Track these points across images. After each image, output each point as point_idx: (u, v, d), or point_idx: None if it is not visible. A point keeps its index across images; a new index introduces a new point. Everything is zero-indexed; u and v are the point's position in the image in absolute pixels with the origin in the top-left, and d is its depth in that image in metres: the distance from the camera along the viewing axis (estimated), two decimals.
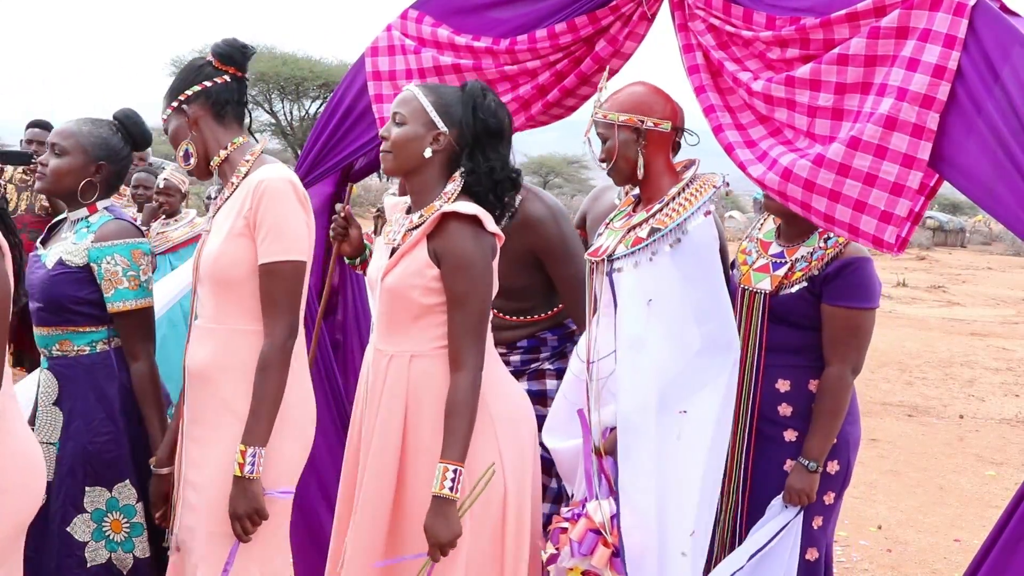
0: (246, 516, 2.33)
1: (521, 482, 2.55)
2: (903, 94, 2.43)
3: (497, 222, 2.56)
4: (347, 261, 3.18)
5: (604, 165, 2.80)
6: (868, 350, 3.06)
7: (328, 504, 3.35)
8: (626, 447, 2.61)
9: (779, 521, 2.94)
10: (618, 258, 2.72)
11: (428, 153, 2.49)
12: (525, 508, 2.58)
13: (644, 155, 2.75)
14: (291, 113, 34.67)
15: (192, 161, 2.51)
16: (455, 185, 2.50)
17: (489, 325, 2.51)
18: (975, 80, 2.37)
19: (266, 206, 2.34)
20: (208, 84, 2.50)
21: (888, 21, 2.45)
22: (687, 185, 2.75)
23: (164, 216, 6.12)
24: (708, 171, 2.85)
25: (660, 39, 3.10)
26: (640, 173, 2.75)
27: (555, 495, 3.22)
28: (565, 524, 2.66)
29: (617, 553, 2.56)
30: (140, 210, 6.23)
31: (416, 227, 2.50)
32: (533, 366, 3.15)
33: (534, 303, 3.16)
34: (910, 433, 7.46)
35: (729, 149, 2.74)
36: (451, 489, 2.34)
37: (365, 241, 3.14)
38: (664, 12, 2.92)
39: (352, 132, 3.36)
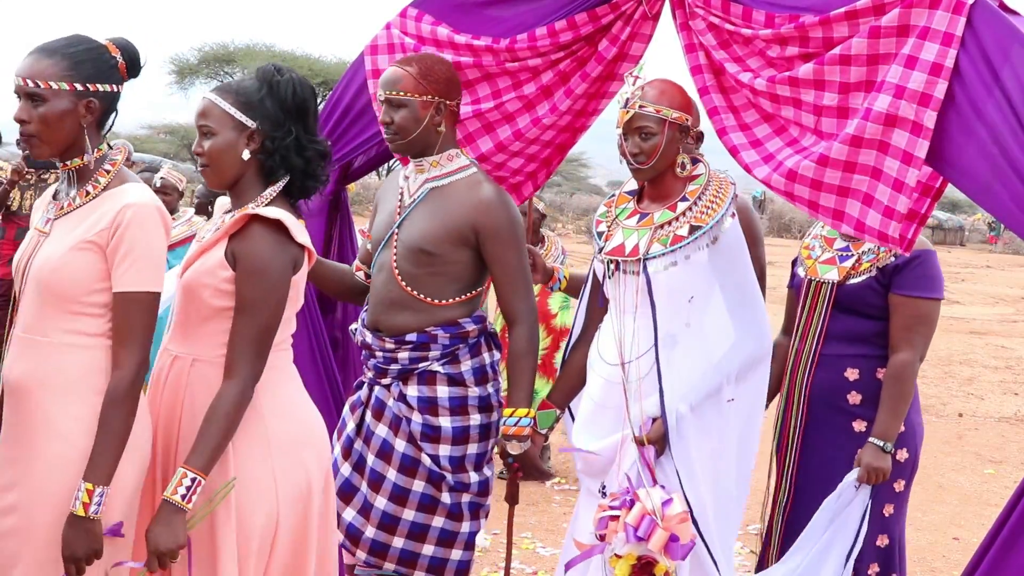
0: (84, 558, 2.16)
1: (300, 512, 2.38)
2: (901, 92, 2.44)
3: (310, 195, 2.47)
4: None
5: (640, 159, 2.77)
6: None
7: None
8: (678, 434, 2.72)
9: (858, 504, 2.99)
10: (654, 257, 2.75)
11: (247, 155, 2.38)
12: (305, 540, 2.40)
13: (683, 154, 2.81)
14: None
15: (92, 151, 2.31)
16: (273, 188, 2.41)
17: (287, 339, 2.40)
18: (974, 80, 2.37)
19: (133, 232, 2.21)
20: (114, 89, 2.31)
21: (888, 20, 2.45)
22: (707, 183, 2.82)
23: None
24: (714, 168, 2.92)
25: (664, 39, 3.09)
26: (686, 171, 2.79)
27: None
28: (614, 512, 2.66)
29: (673, 538, 2.60)
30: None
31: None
32: (422, 365, 2.91)
33: (441, 282, 2.92)
34: None
35: (734, 151, 2.76)
36: (183, 498, 2.19)
37: None
38: (668, 13, 2.92)
39: (351, 130, 3.36)
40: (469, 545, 3.00)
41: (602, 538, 2.69)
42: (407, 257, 2.91)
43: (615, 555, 2.65)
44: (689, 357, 2.74)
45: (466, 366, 2.95)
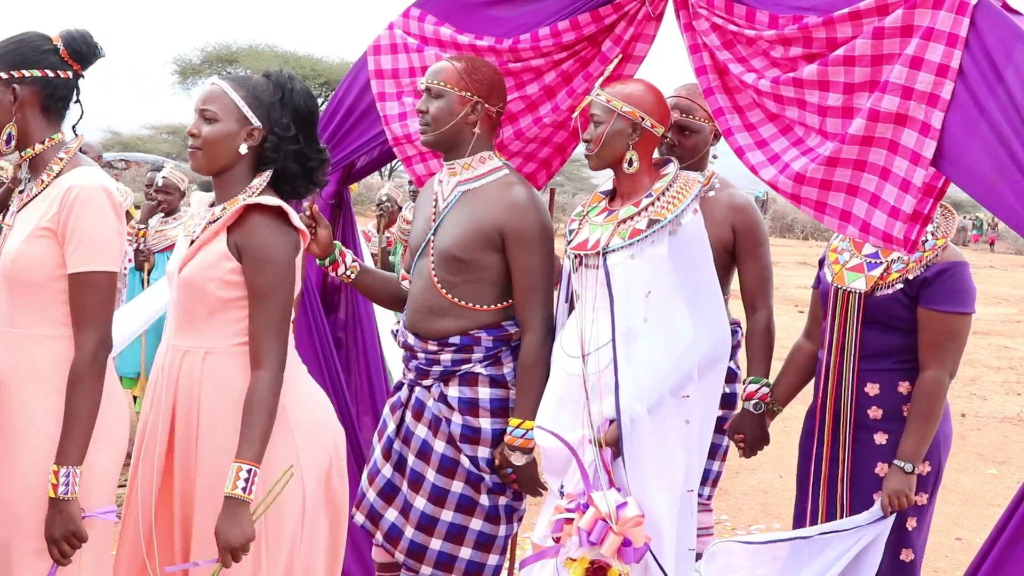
0: (63, 539, 2.19)
1: (326, 492, 2.47)
2: (909, 92, 2.45)
3: (301, 196, 2.52)
4: (318, 262, 3.09)
5: (589, 146, 2.83)
6: None
7: None
8: (632, 436, 2.68)
9: (868, 516, 2.92)
10: (613, 250, 2.76)
11: (244, 149, 2.41)
12: (320, 519, 2.48)
13: (636, 151, 2.79)
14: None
15: (13, 144, 2.32)
16: (261, 180, 2.44)
17: (291, 326, 2.42)
18: (977, 79, 2.38)
19: (77, 213, 2.22)
20: (50, 74, 2.31)
21: (892, 21, 2.46)
22: (672, 182, 2.82)
23: (163, 214, 6.12)
24: (710, 171, 2.91)
25: (667, 39, 3.10)
26: (632, 168, 2.79)
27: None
28: (569, 515, 2.66)
29: (626, 543, 2.58)
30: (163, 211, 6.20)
31: (217, 220, 2.43)
32: (464, 367, 2.92)
33: (481, 288, 2.91)
34: None
35: (740, 152, 2.76)
36: (244, 490, 2.23)
37: (335, 241, 3.09)
38: (672, 13, 2.92)
39: (354, 130, 3.36)
40: (504, 550, 3.01)
41: (557, 540, 2.69)
42: (443, 265, 2.91)
43: (569, 558, 2.66)
44: (649, 354, 2.70)
45: (508, 368, 2.95)
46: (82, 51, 2.36)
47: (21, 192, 2.37)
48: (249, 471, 2.25)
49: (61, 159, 2.33)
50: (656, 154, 2.93)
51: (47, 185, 2.31)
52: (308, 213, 2.99)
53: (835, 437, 3.04)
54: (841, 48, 2.54)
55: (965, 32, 2.38)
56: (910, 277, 2.92)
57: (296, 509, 2.40)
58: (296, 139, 2.44)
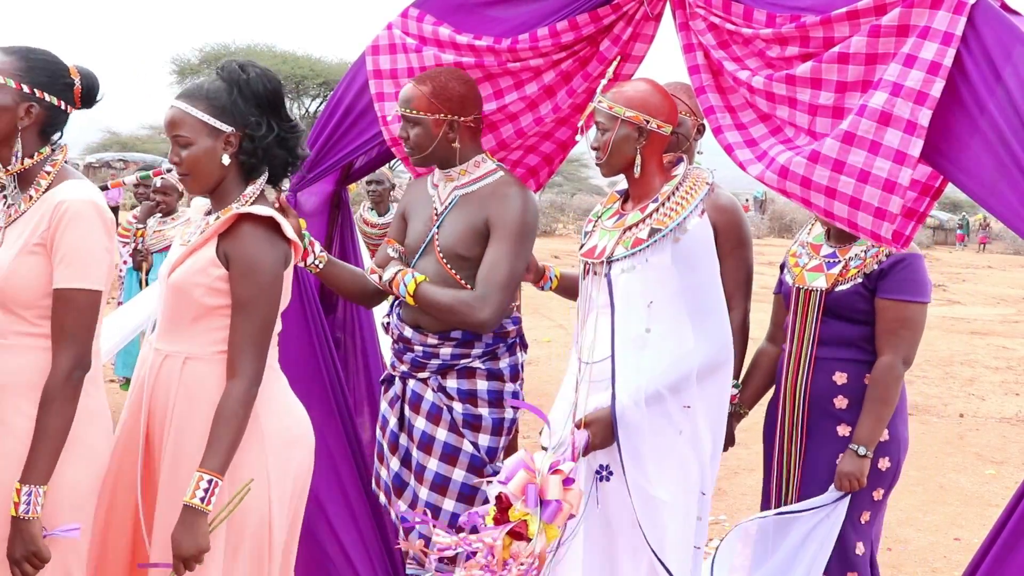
0: (23, 559, 2.16)
1: (287, 505, 2.44)
2: (898, 89, 2.44)
3: (292, 175, 2.51)
4: None
5: (597, 154, 2.83)
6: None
7: (327, 516, 3.34)
8: (627, 440, 2.68)
9: (823, 499, 2.98)
10: (617, 260, 2.76)
11: (227, 160, 2.38)
12: (281, 532, 2.44)
13: (642, 154, 2.77)
14: (291, 111, 34.59)
15: (21, 157, 2.31)
16: (255, 188, 2.42)
17: (274, 338, 2.40)
18: (977, 79, 2.38)
19: (65, 228, 2.21)
20: (61, 105, 2.33)
21: (889, 19, 2.45)
22: (680, 183, 2.80)
23: (161, 215, 6.12)
24: (695, 167, 2.91)
25: (667, 39, 3.10)
26: (637, 172, 2.78)
27: None
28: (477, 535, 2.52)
29: (532, 484, 2.48)
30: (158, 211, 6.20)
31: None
32: (463, 362, 3.01)
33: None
34: (910, 431, 7.44)
35: (728, 150, 2.76)
36: (203, 500, 2.20)
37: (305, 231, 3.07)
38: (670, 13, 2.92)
39: (352, 131, 3.36)
40: None
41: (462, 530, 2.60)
42: (451, 262, 3.00)
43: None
44: (651, 364, 2.69)
45: (504, 363, 3.06)
46: (90, 94, 2.38)
47: (8, 207, 2.35)
48: (210, 481, 2.21)
49: (48, 172, 2.31)
50: None
51: (36, 200, 2.30)
52: (276, 205, 2.99)
53: (794, 426, 3.13)
54: (837, 46, 2.53)
55: (961, 31, 2.38)
56: (867, 271, 3.03)
57: (258, 520, 2.36)
58: (270, 127, 2.41)
